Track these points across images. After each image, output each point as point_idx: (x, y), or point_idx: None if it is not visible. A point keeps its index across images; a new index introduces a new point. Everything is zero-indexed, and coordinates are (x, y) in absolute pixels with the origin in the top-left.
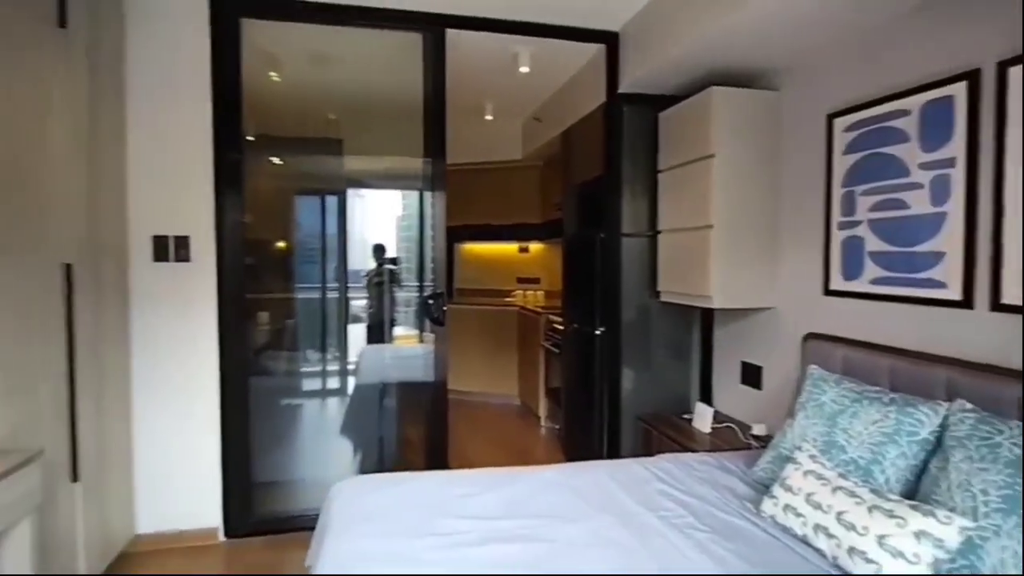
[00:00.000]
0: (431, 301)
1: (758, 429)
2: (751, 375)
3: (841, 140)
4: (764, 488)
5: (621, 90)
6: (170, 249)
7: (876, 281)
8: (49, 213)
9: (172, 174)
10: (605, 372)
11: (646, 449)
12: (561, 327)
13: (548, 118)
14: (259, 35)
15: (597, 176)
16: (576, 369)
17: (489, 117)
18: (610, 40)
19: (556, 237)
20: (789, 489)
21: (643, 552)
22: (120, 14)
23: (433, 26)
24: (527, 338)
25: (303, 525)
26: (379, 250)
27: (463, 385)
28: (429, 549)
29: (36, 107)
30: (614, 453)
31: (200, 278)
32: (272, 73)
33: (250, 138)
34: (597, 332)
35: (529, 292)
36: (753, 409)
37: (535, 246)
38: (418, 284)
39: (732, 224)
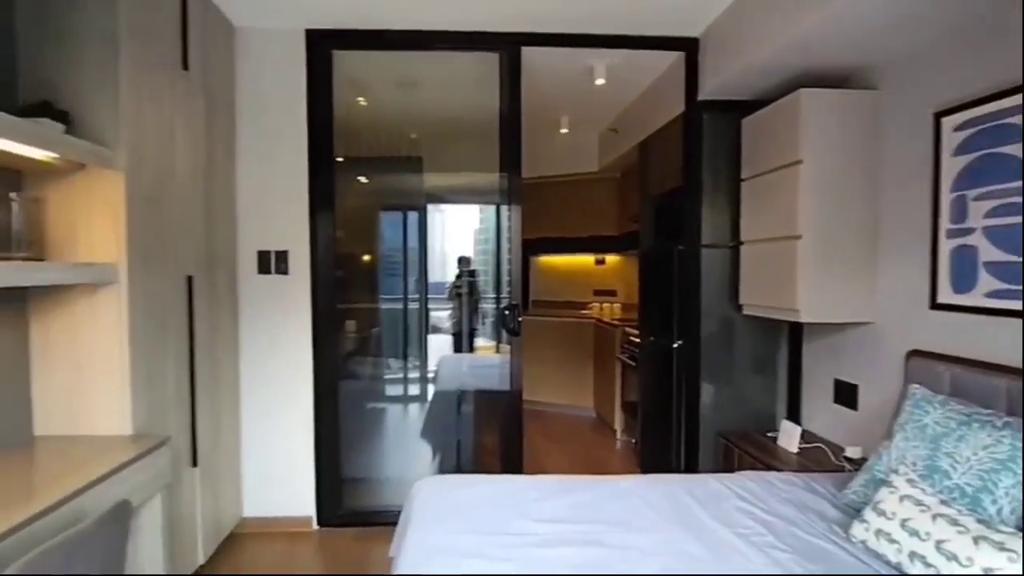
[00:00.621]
0: (507, 312)
1: (852, 452)
2: (845, 394)
3: (950, 140)
4: (855, 512)
5: (701, 97)
6: (272, 263)
7: (992, 294)
8: (177, 232)
9: (274, 195)
10: (683, 386)
11: (726, 466)
12: (637, 340)
13: (625, 129)
14: (348, 64)
15: (675, 187)
16: (653, 382)
17: (565, 130)
18: (689, 47)
19: (633, 249)
20: (883, 514)
21: (716, 566)
22: (231, 55)
23: (509, 45)
24: (603, 350)
25: (386, 520)
26: (464, 261)
27: (538, 396)
28: (501, 547)
29: (167, 140)
30: (692, 469)
31: (297, 289)
32: (359, 98)
33: (339, 159)
34: (675, 345)
35: (605, 304)
36: (847, 430)
37: (612, 258)
38: (495, 296)
39: (823, 234)
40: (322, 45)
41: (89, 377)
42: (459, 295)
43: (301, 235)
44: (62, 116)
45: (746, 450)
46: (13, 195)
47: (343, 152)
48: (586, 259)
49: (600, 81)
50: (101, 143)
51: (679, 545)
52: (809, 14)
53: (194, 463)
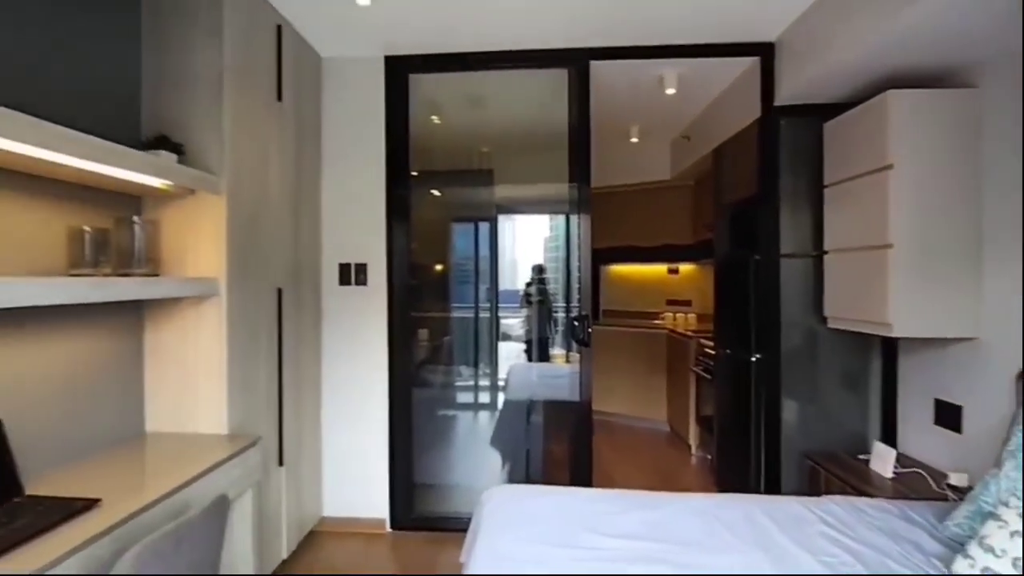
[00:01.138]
0: (576, 323)
1: (956, 479)
2: (947, 415)
3: None
4: (958, 546)
5: (778, 103)
6: (352, 275)
7: None
8: (269, 248)
9: (354, 211)
10: (763, 402)
11: (812, 489)
12: (713, 352)
13: (698, 136)
14: (423, 85)
15: (750, 195)
16: (730, 397)
17: (635, 139)
18: (765, 52)
19: (708, 258)
20: (990, 550)
21: None
22: (318, 83)
23: (578, 61)
24: (676, 362)
25: (455, 527)
26: (538, 270)
27: (609, 407)
28: (569, 560)
29: (262, 166)
30: (773, 490)
31: (374, 299)
32: (433, 116)
33: (414, 174)
34: (753, 359)
35: (679, 314)
36: (949, 455)
37: (685, 267)
38: (564, 305)
39: (918, 243)
40: (400, 70)
41: (193, 380)
42: (531, 302)
43: (378, 248)
44: (177, 148)
45: (834, 472)
46: (136, 219)
47: (418, 167)
48: (658, 268)
49: (671, 91)
50: (207, 170)
51: (757, 569)
52: (909, 9)
53: (280, 463)
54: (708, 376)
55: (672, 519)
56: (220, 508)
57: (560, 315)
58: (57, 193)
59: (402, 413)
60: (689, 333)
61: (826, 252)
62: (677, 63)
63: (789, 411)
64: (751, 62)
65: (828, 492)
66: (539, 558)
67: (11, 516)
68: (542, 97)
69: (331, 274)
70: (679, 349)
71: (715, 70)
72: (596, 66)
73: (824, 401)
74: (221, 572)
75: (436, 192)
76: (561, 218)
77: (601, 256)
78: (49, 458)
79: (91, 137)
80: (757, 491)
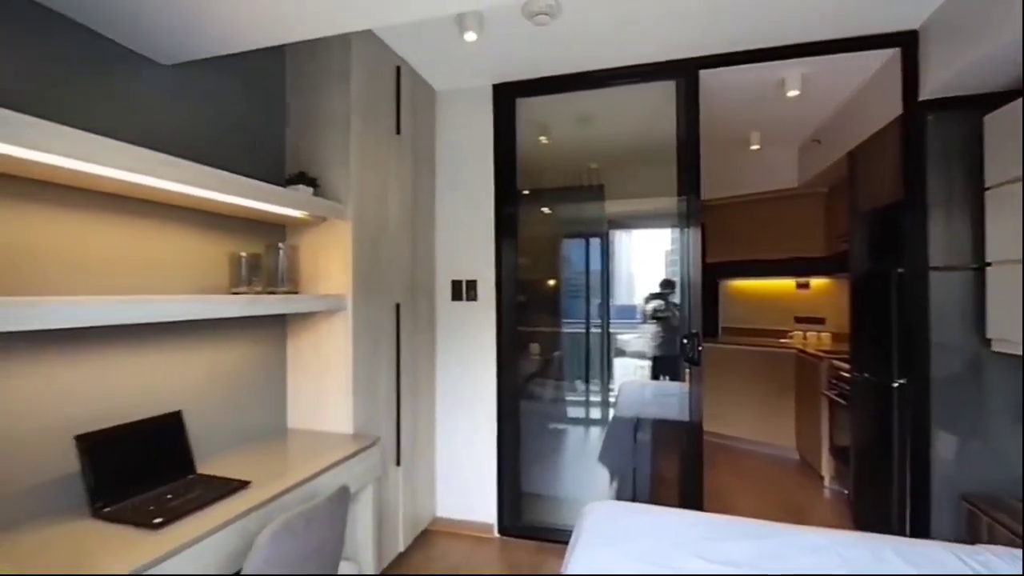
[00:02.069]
0: (685, 341)
1: None
2: None
3: None
4: None
5: (923, 97)
6: (463, 291)
7: None
8: (389, 267)
9: (465, 230)
10: (908, 434)
11: (970, 537)
12: (848, 375)
13: (829, 139)
14: (530, 108)
15: (892, 201)
16: (868, 426)
17: (756, 147)
18: (906, 41)
19: (844, 271)
20: None
21: None
22: (432, 115)
23: (686, 71)
24: (806, 385)
25: (561, 538)
26: (666, 284)
27: (730, 430)
28: None
29: (382, 193)
30: (920, 535)
31: (484, 314)
32: (541, 137)
33: (525, 192)
34: (895, 384)
35: (811, 333)
36: None
37: (817, 282)
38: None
39: None
40: (507, 96)
41: (324, 385)
42: (657, 317)
43: (487, 266)
44: (312, 182)
45: (998, 520)
46: (280, 245)
47: (528, 186)
48: (786, 283)
49: (793, 92)
50: (336, 200)
51: None
52: None
53: (398, 463)
54: (842, 401)
55: (786, 551)
56: (342, 497)
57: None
58: (220, 225)
59: (510, 423)
60: (820, 353)
61: (989, 264)
62: (800, 63)
63: (944, 446)
64: (889, 54)
65: (993, 541)
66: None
67: (187, 489)
68: (651, 110)
69: (444, 290)
70: (809, 371)
71: (845, 66)
72: (707, 75)
73: (989, 436)
74: (346, 556)
75: (546, 210)
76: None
77: (721, 270)
78: (212, 445)
79: (251, 180)
80: (901, 534)
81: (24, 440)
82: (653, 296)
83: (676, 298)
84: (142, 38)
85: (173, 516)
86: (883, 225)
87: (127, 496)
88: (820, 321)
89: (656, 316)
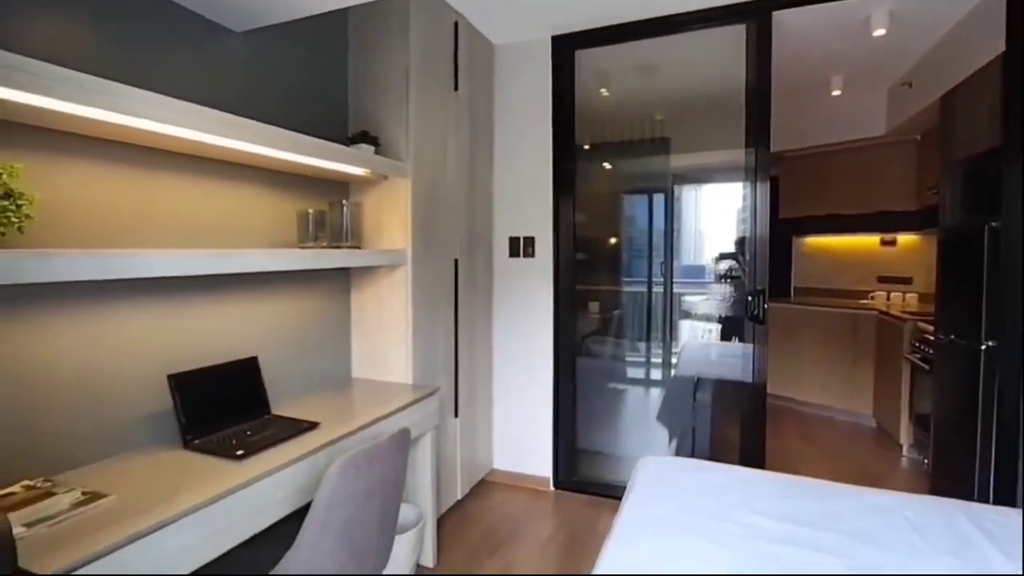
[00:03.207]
0: (750, 298)
1: None
2: None
3: None
4: None
5: None
6: (520, 247)
7: None
8: (447, 224)
9: (523, 187)
10: (995, 400)
11: None
12: (932, 338)
13: (923, 82)
14: (590, 60)
15: (990, 148)
16: (952, 391)
17: (837, 92)
18: None
19: (934, 227)
20: None
21: None
22: (490, 70)
23: (758, 13)
24: (887, 348)
25: (616, 494)
26: (742, 243)
27: (801, 394)
28: (720, 532)
29: (440, 150)
30: (1006, 503)
31: (541, 271)
32: (602, 89)
33: (585, 147)
34: (984, 347)
35: (895, 293)
36: None
37: (905, 238)
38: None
39: None
40: (565, 48)
41: (386, 336)
42: (732, 276)
43: (545, 222)
44: (374, 140)
45: None
46: (344, 202)
47: (589, 140)
48: (869, 240)
49: (880, 32)
50: (397, 158)
51: None
52: None
53: (456, 414)
54: (925, 366)
55: (848, 512)
56: (403, 438)
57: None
58: (288, 184)
59: (567, 380)
60: (903, 315)
61: None
62: None
63: None
64: None
65: None
66: (687, 524)
67: (263, 427)
68: (719, 57)
69: (502, 247)
70: (891, 334)
71: (939, 1)
72: (781, 16)
73: None
74: (407, 499)
75: (607, 165)
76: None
77: (796, 227)
78: (284, 390)
79: (317, 139)
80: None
81: (125, 378)
82: (724, 256)
83: (736, 260)
84: (217, 6)
85: (253, 449)
86: (978, 175)
87: (213, 431)
88: (906, 281)
89: (728, 276)
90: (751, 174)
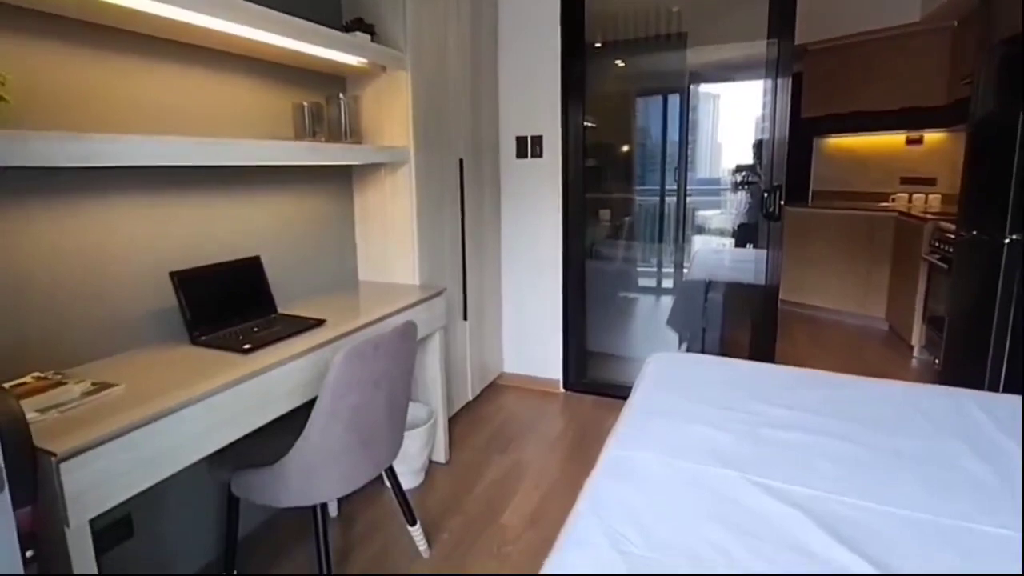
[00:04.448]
0: (766, 194)
1: None
2: None
3: None
4: None
5: None
6: (528, 147)
7: None
8: (451, 120)
9: (530, 83)
10: (1013, 294)
11: None
12: (953, 236)
13: None
14: None
15: None
16: (969, 287)
17: None
18: None
19: (966, 122)
20: None
21: (1005, 493)
22: None
23: None
24: (905, 250)
25: (625, 395)
26: (759, 146)
27: (816, 300)
28: (729, 420)
29: (441, 41)
30: None
31: (550, 172)
32: None
33: (596, 45)
34: (1007, 240)
35: (917, 195)
36: None
37: (932, 136)
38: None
39: None
40: None
41: (391, 238)
42: (749, 182)
43: (554, 122)
44: (369, 29)
45: None
46: (341, 95)
47: (600, 37)
48: (894, 139)
49: None
50: (395, 48)
51: (953, 460)
52: None
53: (464, 317)
54: (944, 265)
55: (859, 400)
56: (407, 329)
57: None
58: (280, 75)
59: (575, 284)
60: (925, 216)
61: None
62: None
63: None
64: None
65: None
66: (695, 414)
67: (270, 324)
68: None
69: (508, 147)
70: (910, 235)
71: None
72: None
73: None
74: (419, 397)
75: (620, 63)
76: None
77: (817, 126)
78: (290, 292)
79: (306, 22)
80: None
81: (127, 274)
82: (741, 168)
83: (752, 169)
84: None
85: (260, 344)
86: (1017, 58)
87: (219, 328)
88: (931, 182)
89: (745, 183)
90: (772, 68)
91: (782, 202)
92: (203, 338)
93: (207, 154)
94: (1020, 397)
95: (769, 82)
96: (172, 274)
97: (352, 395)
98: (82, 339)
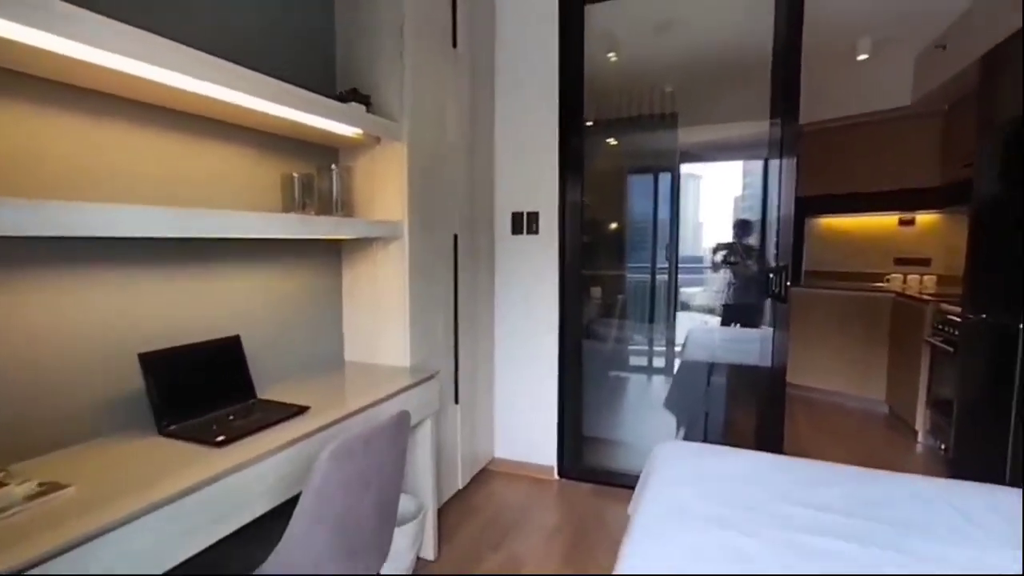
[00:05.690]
0: (772, 275)
1: None
2: None
3: None
4: None
5: None
6: (524, 223)
7: None
8: (446, 195)
9: (527, 159)
10: None
11: None
12: (958, 319)
13: (957, 43)
14: (599, 15)
15: None
16: (980, 374)
17: (863, 56)
18: None
19: (961, 203)
20: None
21: None
22: (492, 29)
23: None
24: (903, 331)
25: (624, 483)
26: (742, 225)
27: (811, 381)
28: (754, 524)
29: (439, 114)
30: None
31: (545, 250)
32: (610, 54)
33: (589, 123)
34: (1022, 326)
35: (911, 276)
36: None
37: (924, 218)
38: (759, 267)
39: None
40: (574, 1)
41: (381, 316)
42: (732, 262)
43: (550, 198)
44: (365, 99)
45: None
46: (333, 166)
47: (593, 114)
48: (886, 220)
49: None
50: (391, 119)
51: (1006, 567)
52: None
53: (456, 400)
54: (949, 348)
55: (888, 499)
56: (402, 421)
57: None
58: (270, 145)
59: (572, 365)
60: (925, 297)
61: None
62: None
63: None
64: None
65: None
66: (716, 515)
67: (248, 412)
68: (743, 14)
69: (504, 222)
70: (909, 316)
71: None
72: None
73: None
74: (407, 490)
75: (612, 141)
76: (755, 173)
77: (808, 206)
78: (271, 373)
79: (302, 90)
80: None
81: (90, 357)
82: (722, 246)
83: (754, 239)
84: None
85: (235, 435)
86: (1021, 141)
87: (191, 416)
88: (925, 262)
89: (727, 262)
90: (775, 149)
91: (788, 283)
92: (172, 428)
93: (186, 226)
94: None
95: (753, 163)
96: (142, 356)
97: (339, 498)
98: (33, 430)
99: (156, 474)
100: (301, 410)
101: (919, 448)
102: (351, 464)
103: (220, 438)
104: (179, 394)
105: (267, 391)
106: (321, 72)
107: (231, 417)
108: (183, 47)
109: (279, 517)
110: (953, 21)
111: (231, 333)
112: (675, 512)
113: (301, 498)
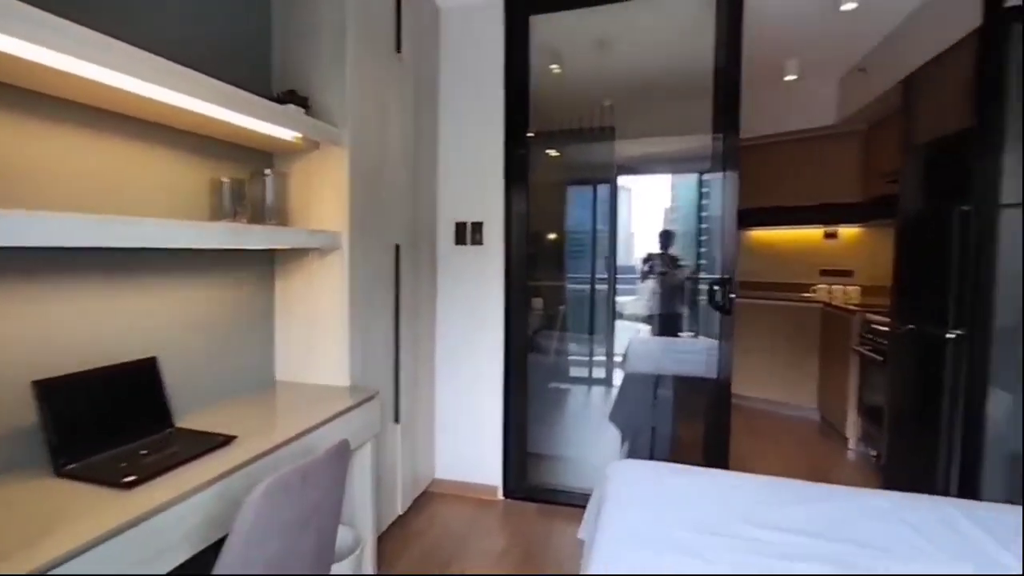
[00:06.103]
0: (716, 287)
1: None
2: None
3: None
4: None
5: (1011, 2)
6: (468, 234)
7: None
8: (388, 204)
9: (471, 168)
10: (960, 390)
11: None
12: (886, 328)
13: (878, 67)
14: (544, 28)
15: (959, 130)
16: (909, 382)
17: (791, 77)
18: None
19: (882, 218)
20: None
21: None
22: (436, 35)
23: None
24: (832, 341)
25: (570, 501)
26: (666, 236)
27: (745, 390)
28: (723, 550)
29: (381, 120)
30: (969, 498)
31: (490, 261)
32: (553, 66)
33: (530, 135)
34: (950, 336)
35: (836, 287)
36: None
37: (847, 231)
38: (690, 277)
39: None
40: (519, 11)
41: (317, 332)
42: (656, 272)
43: (495, 208)
44: (303, 102)
45: None
46: (267, 171)
47: (536, 125)
48: (811, 233)
49: (849, 6)
50: (331, 123)
51: None
52: None
53: (396, 420)
54: (878, 357)
55: (847, 517)
56: (342, 451)
57: (690, 287)
58: (199, 148)
59: (518, 380)
60: (852, 307)
61: None
62: None
63: (999, 403)
64: None
65: None
66: (684, 543)
67: (164, 444)
68: (680, 32)
69: (447, 233)
70: (837, 326)
71: None
72: None
73: None
74: (344, 520)
75: (553, 152)
76: (686, 185)
77: (740, 219)
78: (193, 398)
79: (236, 89)
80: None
81: None
82: (651, 256)
83: (676, 250)
84: None
85: (148, 474)
86: (943, 159)
87: (95, 452)
88: (848, 273)
89: (653, 272)
90: (717, 162)
91: (733, 295)
92: (71, 467)
93: (102, 235)
94: (1004, 506)
95: (681, 177)
96: (36, 384)
97: (272, 542)
98: None
99: (45, 526)
100: (227, 440)
101: (851, 455)
102: (287, 503)
103: (129, 478)
104: (81, 427)
105: (187, 419)
106: (255, 73)
107: (143, 452)
108: (119, 43)
109: (202, 566)
110: (873, 46)
111: (148, 354)
112: (636, 538)
113: (227, 542)
